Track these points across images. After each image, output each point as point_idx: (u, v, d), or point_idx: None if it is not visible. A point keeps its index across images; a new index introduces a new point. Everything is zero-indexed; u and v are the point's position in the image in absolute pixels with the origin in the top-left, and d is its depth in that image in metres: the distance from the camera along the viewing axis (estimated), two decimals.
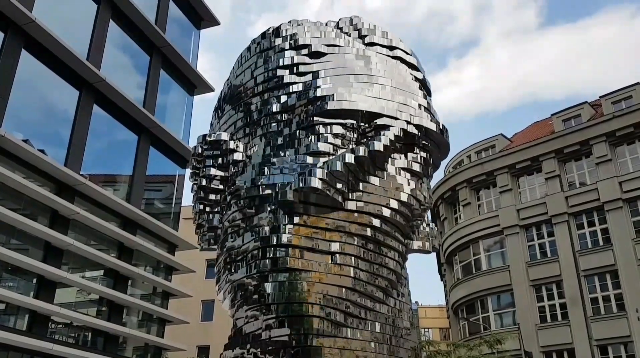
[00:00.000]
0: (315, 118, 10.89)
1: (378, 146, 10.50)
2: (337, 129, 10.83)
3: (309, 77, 11.41)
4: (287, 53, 11.80)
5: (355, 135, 10.96)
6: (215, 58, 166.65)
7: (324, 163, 10.37)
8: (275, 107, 11.32)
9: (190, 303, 31.37)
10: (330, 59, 11.64)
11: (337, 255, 10.08)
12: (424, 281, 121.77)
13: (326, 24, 12.70)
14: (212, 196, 11.72)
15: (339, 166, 10.13)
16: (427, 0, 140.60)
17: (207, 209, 11.86)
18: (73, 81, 21.77)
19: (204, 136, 11.90)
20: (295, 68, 11.60)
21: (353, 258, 10.20)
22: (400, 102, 11.26)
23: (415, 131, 11.18)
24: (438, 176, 43.93)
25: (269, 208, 10.41)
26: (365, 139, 10.85)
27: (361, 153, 10.32)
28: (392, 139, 10.76)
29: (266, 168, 10.73)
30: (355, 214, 10.45)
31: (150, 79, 26.30)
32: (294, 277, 9.94)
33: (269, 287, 9.94)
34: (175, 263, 25.76)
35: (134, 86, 25.76)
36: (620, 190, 27.50)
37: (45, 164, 19.45)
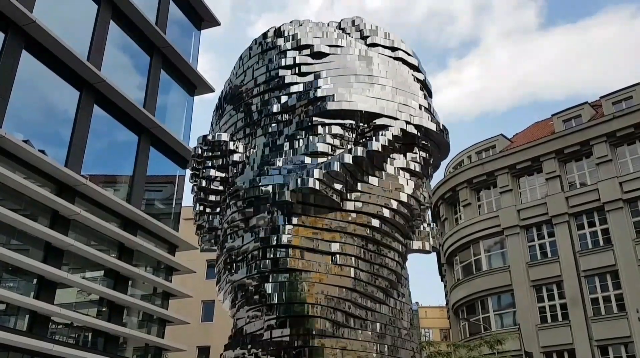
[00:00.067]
0: (315, 118, 10.85)
1: (376, 146, 10.45)
2: (336, 130, 10.78)
3: (311, 77, 11.36)
4: (290, 53, 11.72)
5: (354, 135, 10.93)
6: (215, 58, 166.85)
7: (321, 163, 10.35)
8: (275, 108, 11.27)
9: (191, 303, 31.39)
10: (332, 59, 11.58)
11: (337, 256, 10.05)
12: (425, 282, 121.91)
13: (328, 25, 12.67)
14: (212, 198, 11.67)
15: (336, 167, 10.07)
16: (427, 0, 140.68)
17: (208, 210, 11.81)
18: (73, 82, 21.79)
19: (204, 136, 11.84)
20: (297, 68, 11.53)
21: (353, 258, 10.15)
22: (401, 102, 11.20)
23: (415, 131, 11.12)
24: (438, 176, 43.97)
25: (268, 209, 10.39)
26: (363, 140, 10.83)
27: (359, 153, 10.28)
28: (391, 139, 10.70)
29: (266, 169, 10.70)
30: (355, 214, 10.39)
31: (151, 80, 26.32)
32: (294, 278, 9.91)
33: (270, 288, 9.91)
34: (176, 263, 25.77)
35: (134, 86, 25.78)
36: (620, 190, 27.52)
37: (45, 165, 19.46)
